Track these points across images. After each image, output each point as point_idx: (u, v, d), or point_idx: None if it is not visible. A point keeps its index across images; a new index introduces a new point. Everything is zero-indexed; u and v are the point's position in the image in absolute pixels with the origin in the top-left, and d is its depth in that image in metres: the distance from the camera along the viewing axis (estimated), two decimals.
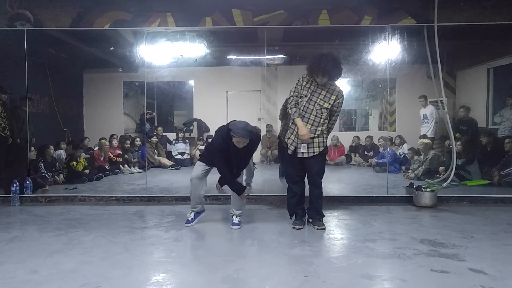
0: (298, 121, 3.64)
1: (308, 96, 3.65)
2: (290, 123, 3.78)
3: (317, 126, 3.66)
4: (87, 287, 2.48)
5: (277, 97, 7.32)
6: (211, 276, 2.66)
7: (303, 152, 3.68)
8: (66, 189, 5.77)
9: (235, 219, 3.88)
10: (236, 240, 3.56)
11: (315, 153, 3.69)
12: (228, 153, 3.71)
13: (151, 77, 7.15)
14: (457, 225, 3.89)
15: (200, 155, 4.01)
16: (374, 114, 9.01)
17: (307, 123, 3.65)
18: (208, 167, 3.85)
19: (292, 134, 3.74)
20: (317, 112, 3.64)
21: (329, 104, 3.64)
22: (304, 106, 3.66)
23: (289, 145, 3.75)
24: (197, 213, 3.98)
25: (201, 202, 3.96)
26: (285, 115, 4.66)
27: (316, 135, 3.67)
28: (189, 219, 3.93)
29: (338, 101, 3.67)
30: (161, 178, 6.73)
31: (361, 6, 5.23)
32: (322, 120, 3.66)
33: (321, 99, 3.64)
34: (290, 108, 3.73)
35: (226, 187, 4.13)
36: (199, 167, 3.86)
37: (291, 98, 3.74)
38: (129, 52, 6.74)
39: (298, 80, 3.75)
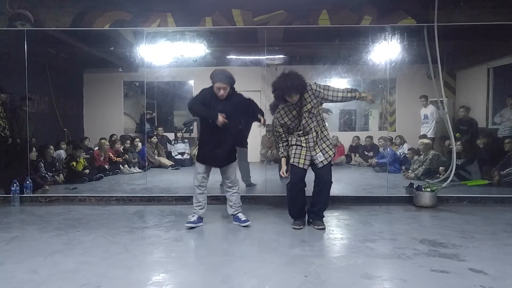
0: (283, 160, 3.80)
1: (297, 116, 3.65)
2: (294, 141, 3.71)
3: (321, 129, 3.69)
4: (87, 287, 2.48)
5: None
6: (211, 276, 2.66)
7: (321, 161, 3.67)
8: (66, 189, 5.77)
9: (242, 216, 3.90)
10: (236, 240, 3.56)
11: (331, 156, 3.72)
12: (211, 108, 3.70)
13: (151, 77, 7.14)
14: (457, 225, 3.89)
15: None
16: (374, 114, 9.00)
17: (312, 133, 3.65)
18: (207, 169, 3.88)
19: (302, 149, 3.67)
20: (311, 120, 3.64)
21: (311, 102, 3.61)
22: (301, 126, 3.65)
23: (303, 161, 3.67)
24: (200, 218, 3.93)
25: (204, 205, 3.96)
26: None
27: (325, 136, 3.71)
28: (192, 220, 3.88)
29: (313, 90, 3.61)
30: (161, 178, 6.72)
31: (361, 6, 5.23)
32: (319, 118, 3.68)
33: (304, 106, 3.61)
34: (278, 144, 3.85)
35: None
36: (199, 175, 3.88)
37: (278, 134, 3.80)
38: (129, 52, 6.73)
39: (277, 114, 3.76)
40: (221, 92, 3.68)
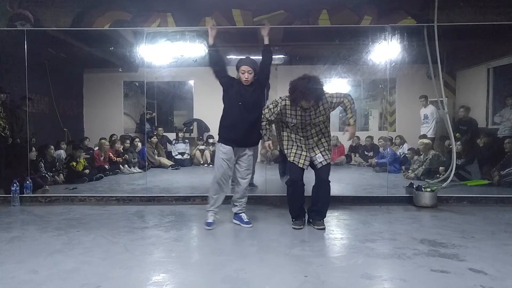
0: (266, 143, 3.79)
1: (299, 118, 3.62)
2: (294, 140, 3.73)
3: (323, 134, 3.74)
4: (87, 287, 2.48)
5: (277, 97, 7.29)
6: (211, 276, 2.66)
7: (321, 162, 3.69)
8: (66, 189, 5.77)
9: (245, 217, 3.90)
10: (236, 240, 3.57)
11: (329, 159, 3.75)
12: (236, 97, 3.73)
13: (151, 77, 7.14)
14: (457, 225, 3.89)
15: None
16: (374, 114, 9.01)
17: (312, 137, 3.69)
18: (230, 154, 3.75)
19: (302, 150, 3.70)
20: (318, 125, 3.68)
21: (325, 115, 3.67)
22: (300, 127, 3.66)
23: (302, 161, 3.69)
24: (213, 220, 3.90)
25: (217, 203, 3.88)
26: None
27: (330, 139, 3.78)
28: (210, 221, 3.84)
29: (329, 103, 3.64)
30: (161, 178, 6.72)
31: (361, 6, 5.23)
32: (324, 124, 3.73)
33: (318, 117, 3.63)
34: (261, 129, 3.79)
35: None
36: (222, 163, 3.74)
37: (268, 115, 3.72)
38: (129, 52, 6.73)
39: (277, 102, 3.68)
40: (246, 75, 3.70)
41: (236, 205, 3.94)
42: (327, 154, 3.74)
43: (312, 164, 3.76)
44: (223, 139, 3.83)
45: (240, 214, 3.93)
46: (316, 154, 3.70)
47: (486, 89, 6.99)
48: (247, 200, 4.00)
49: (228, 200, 4.03)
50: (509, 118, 6.24)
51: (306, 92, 3.43)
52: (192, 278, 2.64)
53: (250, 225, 3.85)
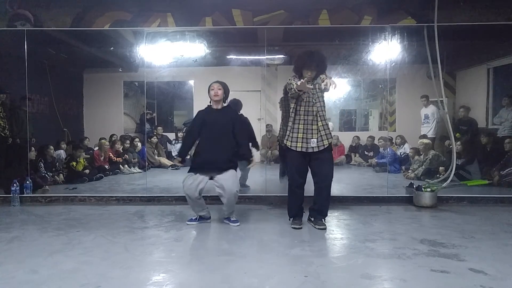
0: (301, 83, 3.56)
1: (306, 92, 3.69)
2: (291, 123, 3.75)
3: (323, 113, 3.71)
4: (87, 287, 2.48)
5: (277, 97, 7.30)
6: (211, 276, 2.66)
7: (313, 147, 3.67)
8: (66, 189, 5.77)
9: (233, 217, 3.96)
10: (236, 240, 3.56)
11: (325, 146, 3.69)
12: (205, 125, 3.88)
13: (151, 77, 7.14)
14: (457, 225, 3.89)
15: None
16: (374, 114, 9.01)
17: (317, 115, 3.67)
18: (199, 178, 3.84)
19: (298, 133, 3.71)
20: (320, 103, 3.69)
21: (321, 89, 3.69)
22: (305, 101, 3.68)
23: (300, 144, 3.69)
24: (202, 217, 4.05)
25: (204, 209, 4.01)
26: (285, 108, 4.64)
27: (323, 124, 3.70)
28: (193, 218, 4.02)
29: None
30: (161, 178, 6.72)
31: (361, 6, 5.23)
32: (323, 106, 3.72)
33: (317, 91, 3.70)
34: (290, 85, 3.71)
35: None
36: (190, 180, 3.84)
37: (291, 83, 3.71)
38: (129, 52, 6.73)
39: (289, 80, 3.77)
40: (213, 92, 3.87)
41: (224, 211, 4.02)
42: (322, 141, 3.68)
43: (310, 160, 3.74)
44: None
45: (228, 217, 4.01)
46: (312, 138, 3.68)
47: (486, 89, 6.99)
48: (233, 206, 3.95)
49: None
50: (507, 118, 6.24)
51: (307, 60, 3.62)
52: (192, 278, 2.64)
53: (237, 224, 3.91)
